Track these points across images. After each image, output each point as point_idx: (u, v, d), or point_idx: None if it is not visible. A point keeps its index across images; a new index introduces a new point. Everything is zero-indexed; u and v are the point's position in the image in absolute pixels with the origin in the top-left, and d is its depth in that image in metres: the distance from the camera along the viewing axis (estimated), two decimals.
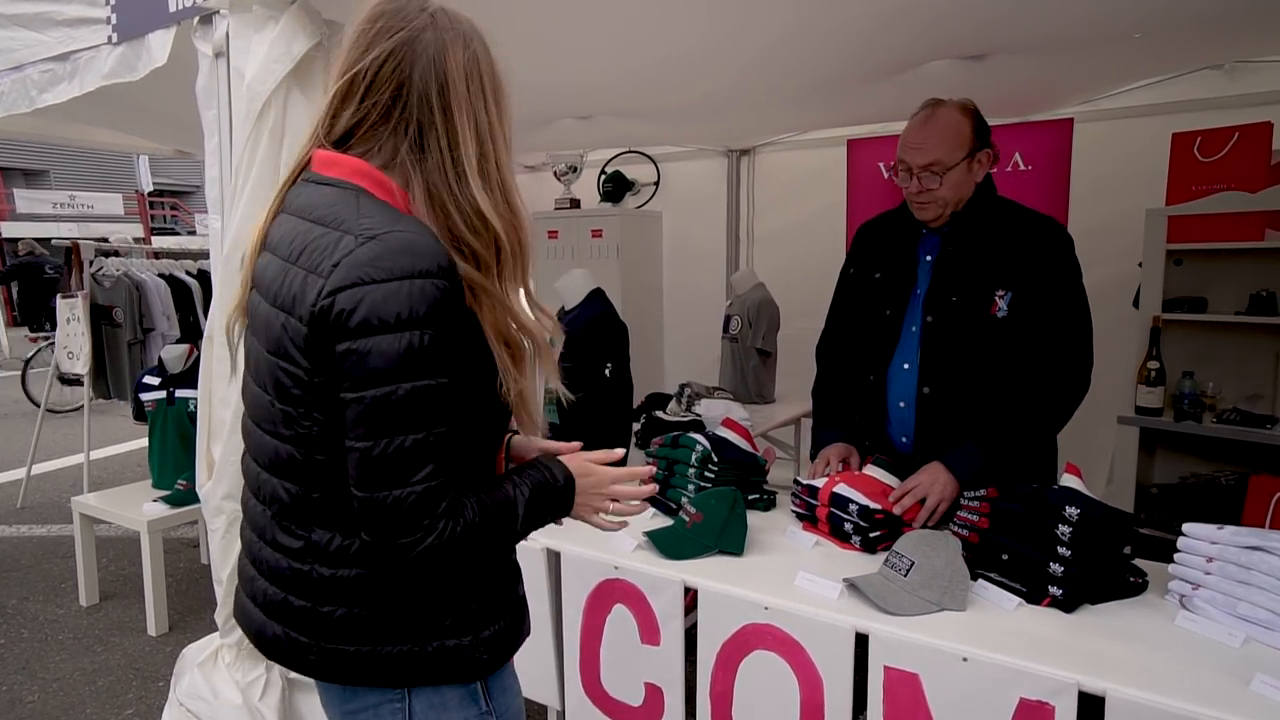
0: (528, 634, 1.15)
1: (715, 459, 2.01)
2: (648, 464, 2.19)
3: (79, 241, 4.39)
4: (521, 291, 1.04)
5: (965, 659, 1.34)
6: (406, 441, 0.88)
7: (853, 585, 1.55)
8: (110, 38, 2.24)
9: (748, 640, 1.58)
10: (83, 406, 4.45)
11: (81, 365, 4.28)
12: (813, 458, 2.07)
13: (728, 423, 2.17)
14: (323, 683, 1.07)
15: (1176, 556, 1.53)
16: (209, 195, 2.02)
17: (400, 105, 0.98)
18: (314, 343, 0.90)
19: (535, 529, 1.07)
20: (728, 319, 3.80)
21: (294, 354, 0.93)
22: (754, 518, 1.99)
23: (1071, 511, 1.50)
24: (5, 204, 16.86)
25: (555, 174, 4.79)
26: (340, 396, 0.90)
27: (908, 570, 1.52)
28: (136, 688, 2.74)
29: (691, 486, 2.01)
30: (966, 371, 1.84)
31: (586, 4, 2.01)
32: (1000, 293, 1.80)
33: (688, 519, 1.82)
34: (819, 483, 1.91)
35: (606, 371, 2.18)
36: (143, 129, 4.04)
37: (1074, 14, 2.11)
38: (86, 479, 4.37)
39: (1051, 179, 3.70)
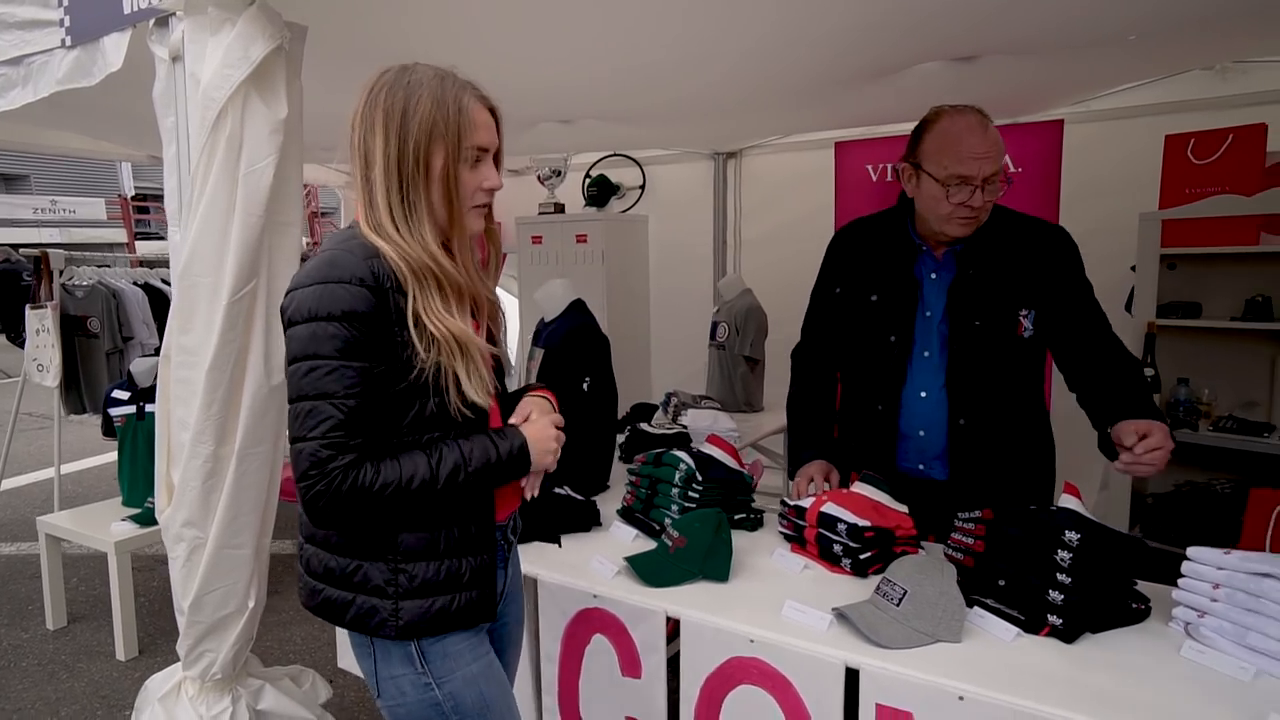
0: (487, 619, 1.28)
1: (700, 478, 1.93)
2: (630, 481, 2.11)
3: (47, 250, 4.26)
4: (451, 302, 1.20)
5: (961, 697, 1.27)
6: (306, 406, 1.10)
7: (842, 615, 1.47)
8: (64, 41, 2.13)
9: (733, 674, 1.50)
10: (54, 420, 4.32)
11: (51, 379, 4.16)
12: (791, 476, 2.00)
13: (713, 439, 2.09)
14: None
15: (1181, 582, 1.46)
16: (168, 206, 1.92)
17: (352, 157, 1.22)
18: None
19: (482, 484, 1.20)
20: (714, 326, 3.72)
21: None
22: (740, 538, 1.92)
23: (1071, 536, 1.43)
24: None
25: (539, 178, 4.71)
26: None
27: (900, 599, 1.45)
28: (102, 717, 2.64)
29: (675, 507, 1.93)
30: (1000, 397, 1.78)
31: (564, 10, 1.93)
32: (1024, 312, 1.75)
33: (670, 543, 1.73)
34: (806, 502, 1.83)
35: (585, 386, 2.09)
36: (112, 134, 3.94)
37: (1068, 14, 2.04)
38: (58, 496, 4.25)
39: (1041, 182, 3.64)
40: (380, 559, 1.19)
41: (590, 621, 1.68)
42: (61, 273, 4.28)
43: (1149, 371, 2.73)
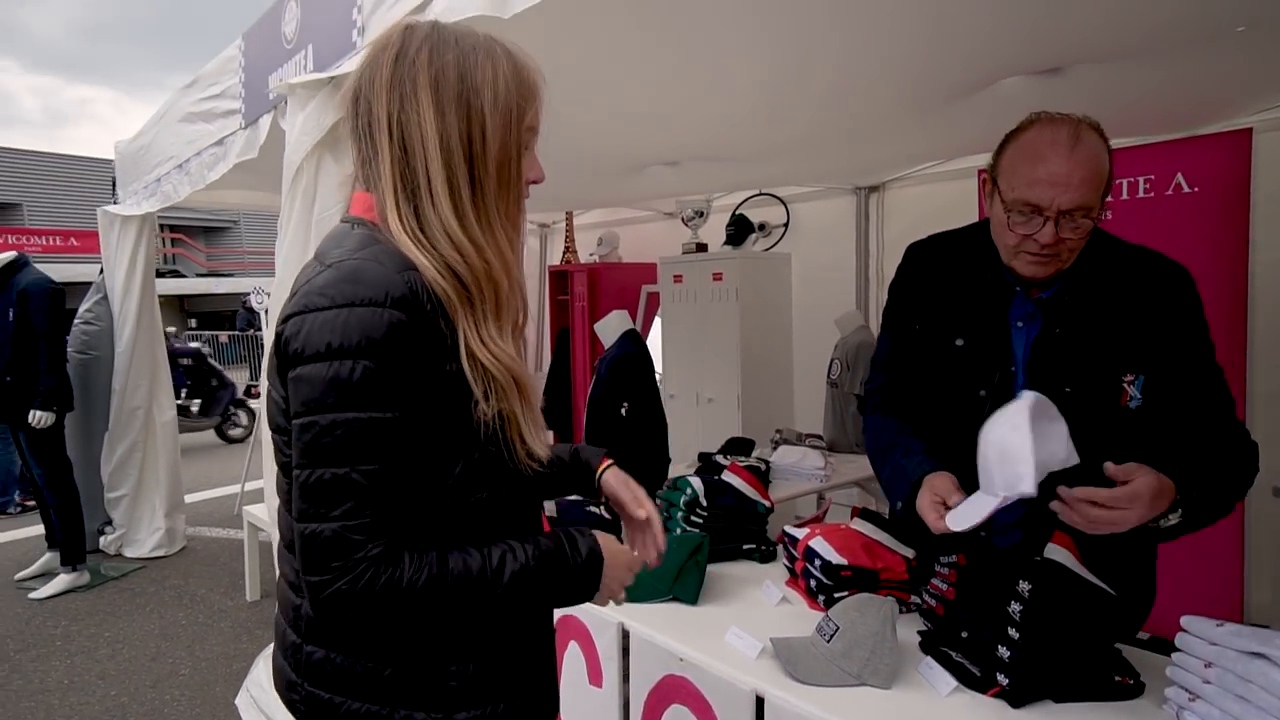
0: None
1: (704, 504, 1.95)
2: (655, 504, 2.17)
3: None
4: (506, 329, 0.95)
5: None
6: (326, 475, 0.82)
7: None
8: (241, 124, 2.73)
9: (668, 692, 1.51)
10: None
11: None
12: (901, 515, 1.45)
13: (734, 468, 2.10)
14: None
15: (1175, 656, 1.24)
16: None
17: (364, 135, 0.93)
18: (279, 369, 0.89)
19: (539, 606, 0.98)
20: (831, 362, 3.63)
21: (275, 380, 0.92)
22: (744, 568, 1.92)
23: (1023, 587, 1.28)
24: (198, 257, 20.02)
25: (683, 220, 4.90)
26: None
27: (831, 636, 1.38)
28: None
29: (678, 530, 1.97)
30: (1095, 478, 1.30)
31: (661, 58, 2.04)
32: (1129, 378, 1.39)
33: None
34: (801, 534, 1.78)
35: (623, 410, 2.20)
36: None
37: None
38: (241, 494, 5.11)
39: (1225, 202, 3.13)
40: (424, 657, 0.92)
41: (566, 629, 1.77)
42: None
43: None
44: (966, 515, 1.24)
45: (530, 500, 1.02)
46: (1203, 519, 1.28)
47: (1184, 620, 1.23)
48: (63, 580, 4.17)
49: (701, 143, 3.12)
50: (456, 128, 0.89)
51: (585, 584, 0.97)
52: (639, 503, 1.14)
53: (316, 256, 0.95)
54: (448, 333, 0.88)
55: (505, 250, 0.93)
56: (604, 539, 1.01)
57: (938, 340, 1.54)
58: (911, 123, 2.75)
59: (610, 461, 1.18)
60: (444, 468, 0.89)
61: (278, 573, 1.03)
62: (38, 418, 3.89)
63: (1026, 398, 1.22)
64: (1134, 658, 1.36)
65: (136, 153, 4.23)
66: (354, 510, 0.81)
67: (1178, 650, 1.23)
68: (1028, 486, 1.18)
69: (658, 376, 5.40)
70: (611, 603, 1.07)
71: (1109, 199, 1.44)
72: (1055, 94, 2.34)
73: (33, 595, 4.11)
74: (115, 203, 4.70)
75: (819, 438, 3.38)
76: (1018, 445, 1.20)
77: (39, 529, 4.41)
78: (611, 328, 2.44)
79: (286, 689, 0.96)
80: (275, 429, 0.93)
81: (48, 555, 4.38)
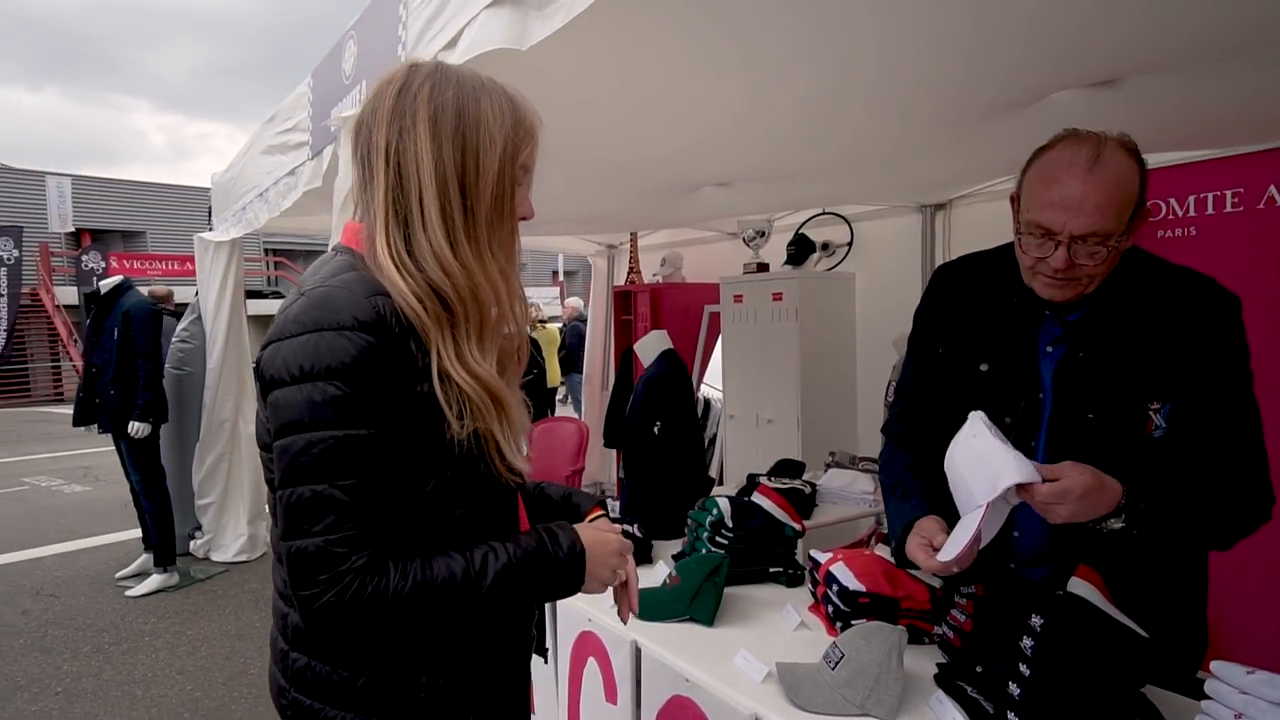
0: None
1: (729, 525, 1.94)
2: (686, 525, 2.17)
3: None
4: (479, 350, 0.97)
5: None
6: (306, 493, 0.86)
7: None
8: (309, 154, 2.91)
9: (675, 712, 1.51)
10: None
11: None
12: (896, 560, 1.48)
13: (763, 490, 2.08)
14: None
15: (1204, 705, 1.15)
16: None
17: (363, 162, 0.97)
18: (260, 393, 0.93)
19: (525, 602, 1.00)
20: (888, 385, 3.53)
21: (260, 403, 0.95)
22: (770, 591, 1.90)
23: (1036, 621, 1.22)
24: (297, 279, 21.01)
25: (744, 240, 4.88)
26: None
27: (836, 663, 1.35)
28: None
29: (704, 550, 1.96)
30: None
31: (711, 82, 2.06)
32: (1155, 405, 1.32)
33: (669, 581, 1.78)
34: (824, 558, 1.74)
35: (655, 429, 2.22)
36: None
37: None
38: None
39: None
40: (397, 668, 0.96)
41: (586, 645, 1.79)
42: None
43: None
44: (955, 542, 1.20)
45: (509, 512, 1.04)
46: (1166, 534, 1.27)
47: (1214, 666, 1.15)
48: (155, 580, 4.48)
49: (749, 164, 3.12)
50: (452, 159, 0.93)
51: (569, 577, 1.00)
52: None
53: (298, 285, 1.00)
54: (419, 355, 0.91)
55: (495, 277, 0.96)
56: (585, 530, 1.04)
57: (962, 365, 1.49)
58: (963, 138, 2.67)
59: (601, 512, 1.20)
60: (417, 484, 0.92)
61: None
62: (136, 428, 4.22)
63: (976, 415, 1.27)
64: (1166, 702, 1.27)
65: (227, 183, 4.56)
66: (335, 525, 0.85)
67: (1207, 698, 1.15)
68: (1009, 475, 1.16)
69: (716, 396, 5.40)
70: (632, 618, 1.14)
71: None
72: (1128, 103, 2.24)
73: (129, 593, 4.44)
74: (210, 229, 5.07)
75: (874, 461, 3.28)
76: (985, 447, 1.20)
77: (139, 532, 4.75)
78: (650, 348, 2.46)
79: (277, 694, 1.01)
80: (262, 447, 0.98)
81: (143, 556, 4.71)
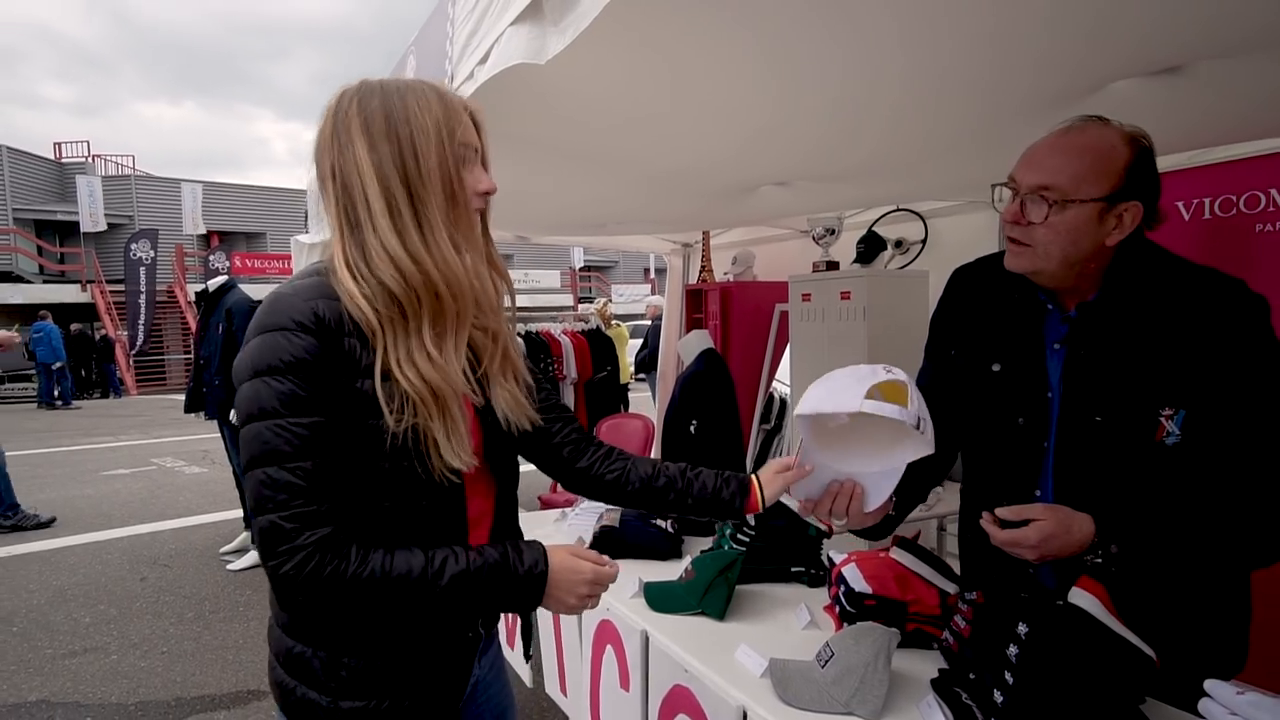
0: None
1: (750, 523, 1.96)
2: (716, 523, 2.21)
3: None
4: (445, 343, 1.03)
5: None
6: (262, 475, 0.94)
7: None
8: None
9: (677, 701, 1.55)
10: None
11: None
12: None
13: None
14: None
15: None
16: None
17: (322, 190, 1.06)
18: None
19: (478, 608, 1.06)
20: None
21: None
22: (790, 590, 1.92)
23: (1021, 629, 1.20)
24: None
25: (814, 238, 4.82)
26: None
27: (826, 662, 1.36)
28: None
29: (726, 546, 1.99)
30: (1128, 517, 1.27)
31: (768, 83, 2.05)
32: (1168, 411, 1.26)
33: (684, 575, 1.83)
34: (839, 558, 1.75)
35: (691, 428, 2.26)
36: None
37: None
38: None
39: None
40: (322, 643, 1.03)
41: (604, 633, 1.86)
42: None
43: None
44: (811, 400, 1.28)
45: (446, 509, 1.07)
46: (1158, 562, 1.25)
47: (1207, 685, 1.11)
48: (253, 556, 4.86)
49: (794, 164, 3.10)
50: (390, 157, 0.99)
51: (526, 594, 1.05)
52: None
53: None
54: (362, 354, 0.98)
55: (450, 258, 1.01)
56: (557, 554, 1.08)
57: (974, 366, 1.50)
58: (1030, 131, 2.56)
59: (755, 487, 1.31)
60: (352, 473, 0.98)
61: None
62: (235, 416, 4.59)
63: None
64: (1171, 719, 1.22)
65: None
66: (286, 503, 0.93)
67: (1199, 717, 1.10)
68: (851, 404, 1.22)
69: (787, 394, 5.34)
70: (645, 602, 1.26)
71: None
72: (1200, 88, 2.11)
73: (229, 566, 4.84)
74: (306, 232, 5.44)
75: None
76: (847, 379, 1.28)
77: (241, 511, 5.16)
78: (690, 346, 2.50)
79: (270, 667, 1.11)
80: None
81: (244, 534, 5.12)
